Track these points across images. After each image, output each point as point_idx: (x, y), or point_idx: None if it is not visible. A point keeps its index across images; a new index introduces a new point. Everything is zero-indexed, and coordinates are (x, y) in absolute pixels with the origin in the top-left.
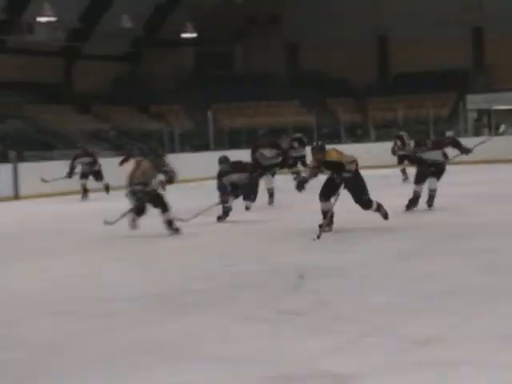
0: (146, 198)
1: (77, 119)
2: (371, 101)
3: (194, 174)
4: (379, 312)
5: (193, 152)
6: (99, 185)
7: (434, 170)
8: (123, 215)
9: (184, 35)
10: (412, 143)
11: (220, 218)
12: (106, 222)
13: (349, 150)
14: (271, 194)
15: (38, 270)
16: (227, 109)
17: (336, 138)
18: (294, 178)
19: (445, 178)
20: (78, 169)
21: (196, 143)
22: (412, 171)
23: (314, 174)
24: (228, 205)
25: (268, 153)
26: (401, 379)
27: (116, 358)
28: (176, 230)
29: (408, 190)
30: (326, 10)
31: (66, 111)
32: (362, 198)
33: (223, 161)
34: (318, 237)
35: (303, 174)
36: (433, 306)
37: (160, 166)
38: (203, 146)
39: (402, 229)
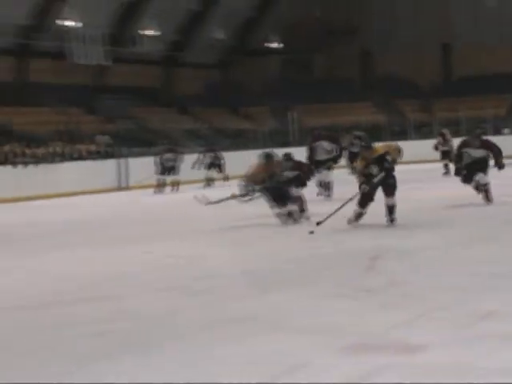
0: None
1: (176, 119)
2: (436, 101)
3: None
4: (445, 290)
5: (276, 148)
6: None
7: (479, 167)
8: (223, 200)
9: (270, 45)
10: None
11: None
12: (208, 202)
13: (416, 146)
14: (328, 188)
15: (144, 252)
16: (308, 110)
17: (404, 135)
18: (352, 173)
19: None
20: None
21: (279, 140)
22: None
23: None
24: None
25: (327, 145)
26: (465, 350)
27: (213, 330)
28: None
29: (449, 184)
30: (396, 21)
31: (167, 112)
32: (391, 182)
33: (287, 158)
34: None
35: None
36: (494, 286)
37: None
38: (286, 143)
39: (461, 218)
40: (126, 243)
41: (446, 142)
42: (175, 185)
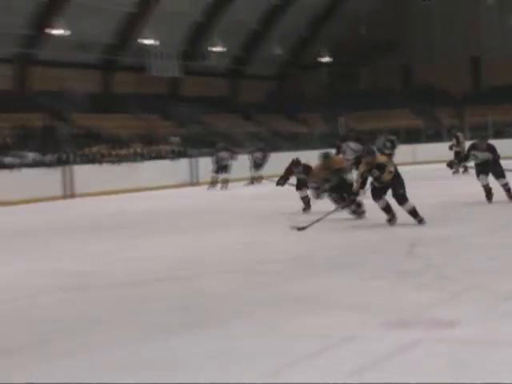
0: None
1: (240, 124)
2: (467, 108)
3: None
4: (477, 272)
5: (327, 149)
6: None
7: (488, 168)
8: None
9: (321, 59)
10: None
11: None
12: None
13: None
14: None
15: (214, 238)
16: (355, 116)
17: (438, 137)
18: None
19: None
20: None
21: (330, 142)
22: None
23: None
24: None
25: (354, 146)
26: (492, 326)
27: (272, 307)
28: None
29: (470, 181)
30: (432, 37)
31: (232, 118)
32: (399, 192)
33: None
34: (303, 228)
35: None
36: None
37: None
38: (336, 145)
39: (482, 210)
40: (199, 230)
41: (459, 143)
42: (225, 183)
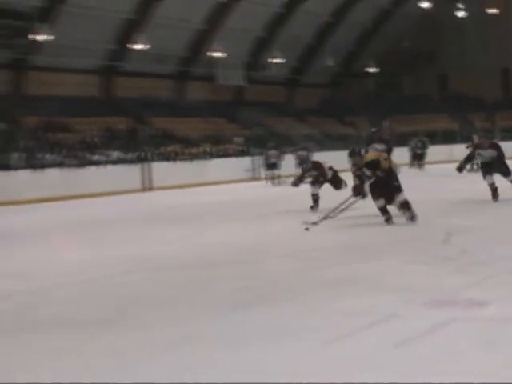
0: None
1: (297, 126)
2: (497, 113)
3: None
4: (507, 258)
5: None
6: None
7: (494, 167)
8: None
9: (368, 69)
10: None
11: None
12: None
13: None
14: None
15: (272, 227)
16: (398, 119)
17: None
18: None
19: None
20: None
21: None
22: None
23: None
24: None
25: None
26: None
27: (320, 288)
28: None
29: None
30: (466, 49)
31: (289, 121)
32: (393, 184)
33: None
34: (311, 225)
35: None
36: None
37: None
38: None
39: (503, 204)
40: (257, 220)
41: (472, 145)
42: (276, 178)
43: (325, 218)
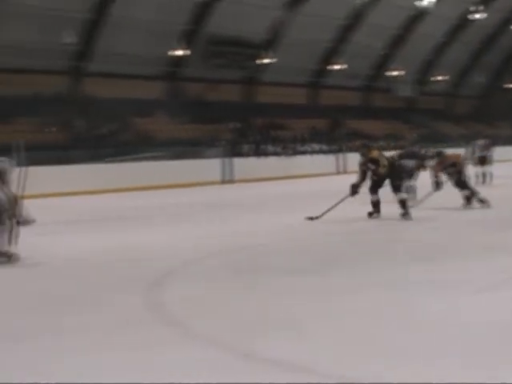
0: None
1: (454, 129)
2: None
3: None
4: None
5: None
6: None
7: None
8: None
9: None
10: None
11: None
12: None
13: None
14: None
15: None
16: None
17: None
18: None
19: None
20: None
21: None
22: None
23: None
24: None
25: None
26: None
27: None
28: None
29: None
30: None
31: (448, 125)
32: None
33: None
34: (316, 217)
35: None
36: None
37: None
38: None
39: None
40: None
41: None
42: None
43: (327, 211)
